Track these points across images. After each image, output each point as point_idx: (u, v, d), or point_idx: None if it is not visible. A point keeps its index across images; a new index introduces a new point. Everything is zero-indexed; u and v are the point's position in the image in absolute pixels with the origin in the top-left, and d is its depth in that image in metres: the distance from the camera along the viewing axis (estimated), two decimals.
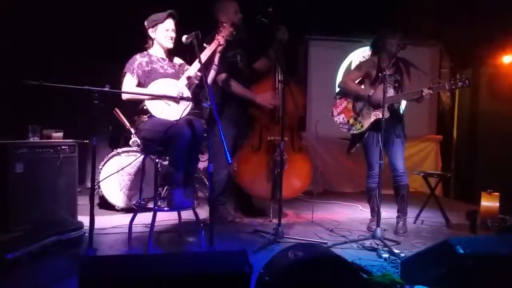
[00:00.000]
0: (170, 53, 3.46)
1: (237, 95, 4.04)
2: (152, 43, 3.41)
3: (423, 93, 3.56)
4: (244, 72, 4.14)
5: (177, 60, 3.52)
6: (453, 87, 3.58)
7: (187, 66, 3.48)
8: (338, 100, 3.92)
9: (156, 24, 3.35)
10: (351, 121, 3.84)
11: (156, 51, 3.41)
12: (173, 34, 3.35)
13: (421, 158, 5.99)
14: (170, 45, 3.38)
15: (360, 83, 3.90)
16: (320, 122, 5.43)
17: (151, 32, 3.37)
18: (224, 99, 4.02)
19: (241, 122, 4.16)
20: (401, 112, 3.92)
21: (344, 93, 3.90)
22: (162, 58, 3.40)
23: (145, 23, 3.38)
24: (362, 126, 3.79)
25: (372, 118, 3.73)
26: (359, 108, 3.82)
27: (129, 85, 3.25)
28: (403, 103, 3.98)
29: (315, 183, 5.51)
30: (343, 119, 3.86)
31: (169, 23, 3.35)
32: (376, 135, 3.72)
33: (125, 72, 3.28)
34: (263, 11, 3.80)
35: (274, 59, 4.04)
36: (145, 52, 3.39)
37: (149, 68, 3.30)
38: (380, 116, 3.53)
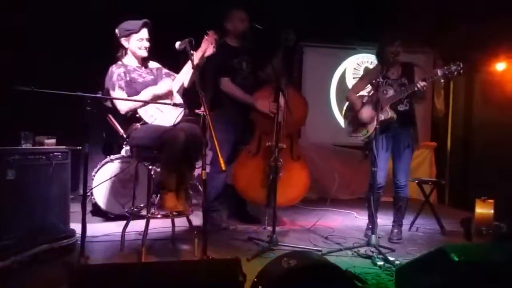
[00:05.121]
0: (144, 60, 3.39)
1: (237, 99, 4.05)
2: (125, 52, 3.34)
3: (418, 86, 3.54)
4: (249, 78, 4.15)
5: (153, 65, 3.46)
6: (447, 72, 3.54)
7: (164, 70, 3.45)
8: (348, 113, 4.02)
9: (130, 34, 3.27)
10: (359, 128, 3.89)
11: (130, 61, 3.34)
12: (148, 44, 3.30)
13: (416, 165, 5.98)
14: (144, 54, 3.33)
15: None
16: (314, 129, 5.41)
17: (123, 41, 3.29)
18: (224, 103, 4.03)
19: (241, 127, 4.15)
20: (414, 117, 3.89)
21: (351, 105, 3.98)
22: (138, 67, 3.35)
23: (116, 31, 3.30)
24: (367, 132, 3.82)
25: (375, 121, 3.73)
26: (363, 117, 3.84)
27: (122, 100, 3.16)
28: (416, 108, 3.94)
29: (310, 190, 5.50)
30: (352, 128, 3.95)
31: (144, 33, 3.29)
32: (385, 140, 3.74)
33: (108, 89, 3.20)
34: (256, 17, 3.83)
35: (278, 68, 4.04)
36: (119, 62, 3.32)
37: (128, 79, 3.25)
38: (382, 118, 3.56)
